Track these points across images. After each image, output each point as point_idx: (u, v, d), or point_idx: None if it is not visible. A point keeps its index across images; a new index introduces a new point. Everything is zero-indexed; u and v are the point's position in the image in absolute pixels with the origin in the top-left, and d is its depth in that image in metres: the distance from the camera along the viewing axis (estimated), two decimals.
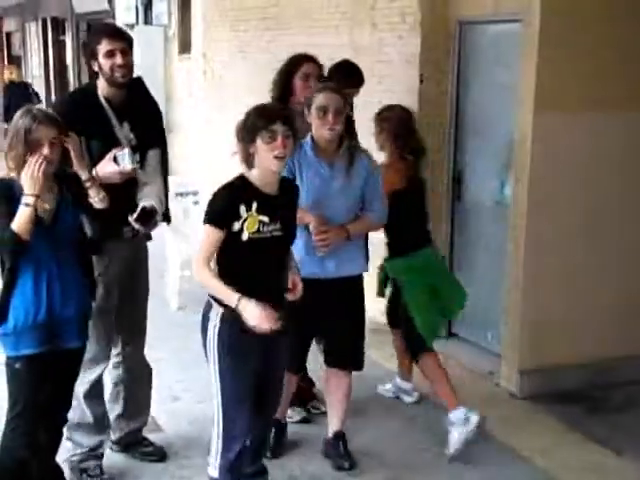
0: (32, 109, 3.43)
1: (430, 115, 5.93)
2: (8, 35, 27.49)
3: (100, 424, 4.16)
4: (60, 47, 20.86)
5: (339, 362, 4.29)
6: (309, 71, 4.60)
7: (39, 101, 15.13)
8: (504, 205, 5.40)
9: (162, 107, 14.14)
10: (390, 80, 6.32)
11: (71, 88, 17.56)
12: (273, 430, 4.35)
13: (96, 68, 3.98)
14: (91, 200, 3.52)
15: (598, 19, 4.96)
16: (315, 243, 3.99)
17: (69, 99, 4.20)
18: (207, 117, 9.88)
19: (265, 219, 3.37)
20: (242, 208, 3.33)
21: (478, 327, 5.85)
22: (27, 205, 3.27)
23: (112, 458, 4.35)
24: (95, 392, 4.11)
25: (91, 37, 4.16)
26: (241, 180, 3.41)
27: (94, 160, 3.79)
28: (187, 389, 5.22)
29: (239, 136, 3.39)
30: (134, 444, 4.37)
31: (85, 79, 15.30)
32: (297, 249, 3.97)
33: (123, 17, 12.62)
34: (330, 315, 4.17)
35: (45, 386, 3.49)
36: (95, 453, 4.15)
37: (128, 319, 4.20)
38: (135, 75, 4.06)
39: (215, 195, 3.39)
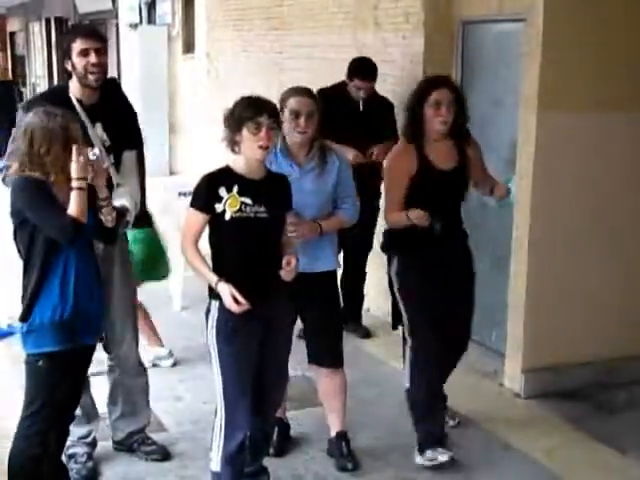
0: (47, 110, 3.42)
1: None
2: (12, 35, 27.52)
3: (88, 415, 4.18)
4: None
5: (318, 359, 4.30)
6: (440, 97, 4.21)
7: (21, 100, 15.17)
8: (508, 204, 5.39)
9: (165, 107, 14.07)
10: (394, 80, 6.32)
11: None
12: (277, 429, 4.36)
13: (69, 67, 3.96)
14: (102, 217, 3.55)
15: (602, 19, 4.95)
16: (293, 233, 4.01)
17: (40, 99, 4.14)
18: (211, 117, 9.88)
19: (247, 201, 3.56)
20: (222, 190, 3.55)
21: (482, 326, 5.83)
22: (81, 189, 3.33)
23: (116, 458, 4.38)
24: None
25: (66, 36, 4.15)
26: (224, 168, 3.66)
27: None
28: (190, 389, 5.23)
29: (226, 124, 3.60)
30: (138, 444, 4.38)
31: None
32: None
33: (127, 17, 12.62)
34: (304, 312, 4.16)
35: (64, 384, 3.51)
36: (84, 441, 4.18)
37: (113, 321, 4.17)
38: (110, 76, 4.07)
39: (198, 181, 3.63)
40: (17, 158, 3.44)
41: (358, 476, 4.27)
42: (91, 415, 4.22)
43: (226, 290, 3.50)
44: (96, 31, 4.13)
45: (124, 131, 4.11)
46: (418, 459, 4.30)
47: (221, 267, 3.58)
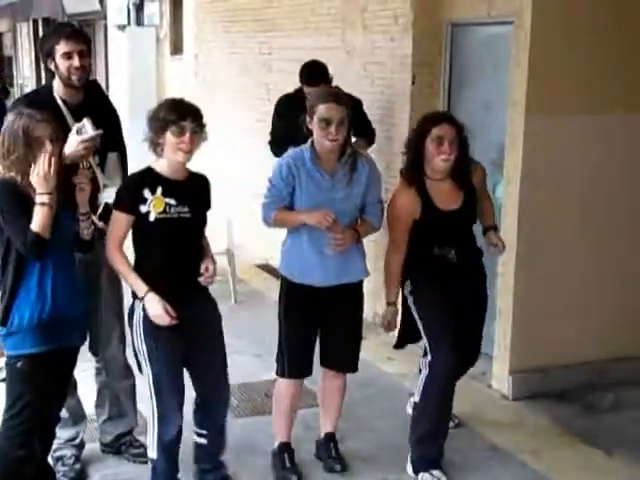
0: (23, 111, 3.42)
1: None
2: None
3: (75, 417, 4.17)
4: None
5: (336, 364, 4.28)
6: (442, 133, 4.05)
7: (6, 98, 15.11)
8: (496, 206, 5.41)
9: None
10: (382, 82, 6.33)
11: None
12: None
13: (52, 68, 3.96)
14: (80, 230, 3.55)
15: (590, 21, 4.97)
16: (332, 241, 3.98)
17: (26, 99, 4.13)
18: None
19: (172, 201, 3.63)
20: (146, 192, 3.61)
21: None
22: (43, 204, 3.29)
23: (104, 460, 4.37)
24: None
25: (49, 37, 4.08)
26: (147, 169, 3.71)
27: None
28: None
29: (150, 126, 3.62)
30: (125, 446, 4.37)
31: None
32: (298, 250, 4.05)
33: (114, 18, 12.58)
34: (330, 318, 4.16)
35: (46, 385, 3.49)
36: (71, 443, 4.18)
37: (100, 323, 4.15)
38: (92, 78, 4.06)
39: (123, 183, 3.77)
40: None
41: (346, 478, 4.27)
42: (78, 417, 4.21)
43: (156, 301, 3.59)
44: (80, 32, 4.11)
45: (108, 132, 4.08)
46: (410, 471, 4.27)
47: (144, 267, 3.66)
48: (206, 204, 3.85)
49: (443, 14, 5.93)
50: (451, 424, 4.62)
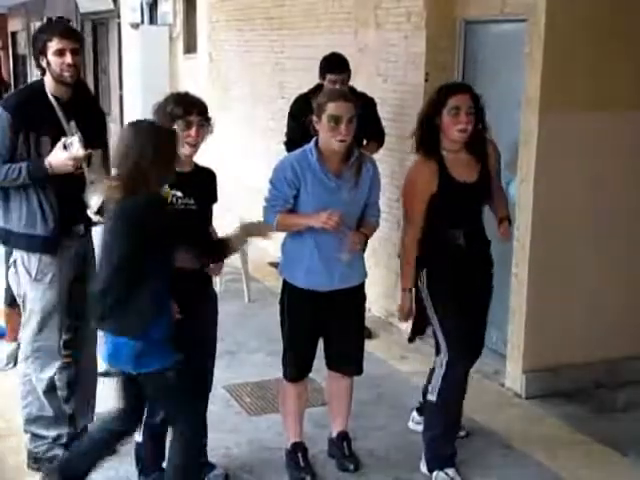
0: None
1: None
2: (13, 34, 27.52)
3: (59, 416, 4.17)
4: None
5: (340, 367, 4.27)
6: (458, 103, 3.97)
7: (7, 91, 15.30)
8: (510, 205, 5.38)
9: None
10: (395, 79, 6.32)
11: None
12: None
13: (44, 64, 3.99)
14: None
15: (604, 18, 4.95)
16: (349, 245, 3.94)
17: (19, 95, 4.22)
18: (212, 117, 9.87)
19: (178, 194, 3.68)
20: None
21: None
22: None
23: (107, 461, 4.33)
24: (52, 387, 4.13)
25: (42, 33, 4.10)
26: None
27: (44, 157, 3.86)
28: None
29: (157, 119, 3.64)
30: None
31: (89, 78, 15.32)
32: (302, 254, 4.01)
33: (128, 16, 12.62)
34: (334, 321, 4.14)
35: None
36: (59, 442, 4.17)
37: (88, 320, 4.16)
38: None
39: None
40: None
41: (359, 477, 4.26)
42: (60, 418, 4.18)
43: None
44: (73, 30, 4.18)
45: (95, 130, 4.13)
46: (424, 470, 4.26)
47: None
48: (212, 197, 3.90)
49: (456, 11, 5.92)
50: (462, 433, 4.60)
